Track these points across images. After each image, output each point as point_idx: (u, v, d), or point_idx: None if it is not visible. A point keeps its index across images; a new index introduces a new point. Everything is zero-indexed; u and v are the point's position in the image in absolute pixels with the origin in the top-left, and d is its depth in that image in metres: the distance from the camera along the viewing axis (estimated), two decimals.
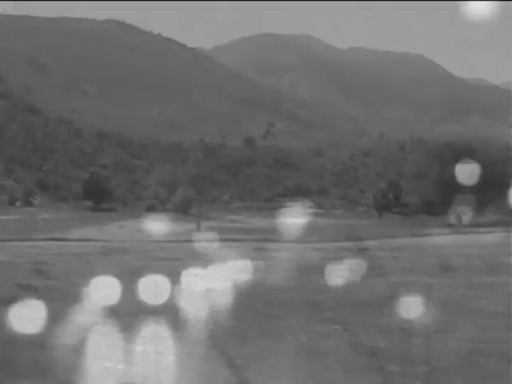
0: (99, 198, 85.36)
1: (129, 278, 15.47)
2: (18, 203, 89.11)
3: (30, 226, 46.11)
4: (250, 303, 13.95)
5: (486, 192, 52.45)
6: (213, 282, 16.84)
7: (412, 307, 12.18)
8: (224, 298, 14.19)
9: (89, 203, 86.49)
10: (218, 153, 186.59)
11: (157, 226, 44.99)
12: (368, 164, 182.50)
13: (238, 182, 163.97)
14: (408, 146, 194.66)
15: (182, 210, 66.88)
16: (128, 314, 12.22)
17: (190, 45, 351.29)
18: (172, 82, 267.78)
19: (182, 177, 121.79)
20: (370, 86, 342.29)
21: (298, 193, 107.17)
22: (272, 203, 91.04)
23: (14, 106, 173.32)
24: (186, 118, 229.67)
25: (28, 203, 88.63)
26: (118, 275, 15.63)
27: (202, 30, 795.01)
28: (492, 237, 36.50)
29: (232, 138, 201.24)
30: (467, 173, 46.01)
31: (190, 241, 32.74)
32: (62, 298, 14.24)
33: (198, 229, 41.60)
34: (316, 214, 68.52)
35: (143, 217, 56.15)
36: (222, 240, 31.65)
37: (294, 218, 54.51)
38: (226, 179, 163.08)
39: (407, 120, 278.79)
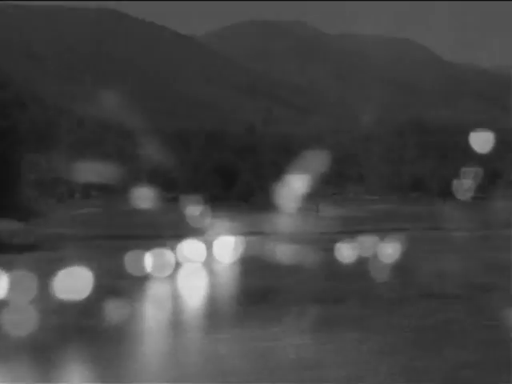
0: (164, 187, 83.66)
1: None
2: (77, 195, 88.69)
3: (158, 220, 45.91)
4: None
5: None
6: None
7: None
8: None
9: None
10: (220, 140, 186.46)
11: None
12: (369, 149, 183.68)
13: (246, 169, 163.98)
14: (407, 131, 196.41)
15: (245, 198, 67.14)
16: None
17: (182, 32, 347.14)
18: (164, 69, 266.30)
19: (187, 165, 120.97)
20: (361, 70, 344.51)
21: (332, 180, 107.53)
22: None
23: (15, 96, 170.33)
24: (183, 106, 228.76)
25: (87, 195, 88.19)
26: None
27: (193, 17, 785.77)
28: None
29: (230, 125, 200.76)
30: None
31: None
32: None
33: (317, 216, 42.27)
34: (376, 201, 69.15)
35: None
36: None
37: (369, 205, 55.18)
38: (233, 166, 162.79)
39: (400, 104, 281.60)
